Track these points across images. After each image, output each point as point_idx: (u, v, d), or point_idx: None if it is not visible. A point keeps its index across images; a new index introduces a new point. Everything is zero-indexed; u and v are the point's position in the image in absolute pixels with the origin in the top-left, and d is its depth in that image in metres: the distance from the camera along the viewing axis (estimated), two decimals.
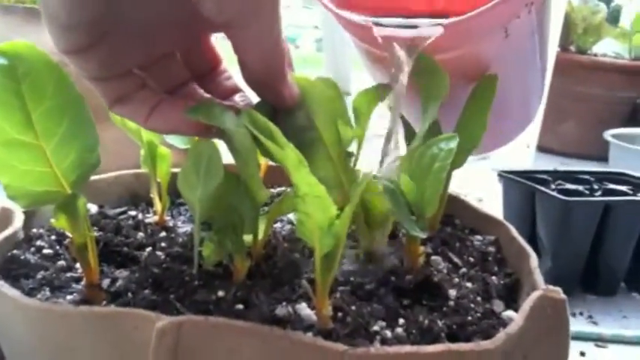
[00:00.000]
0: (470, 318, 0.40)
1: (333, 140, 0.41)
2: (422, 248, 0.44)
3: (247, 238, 0.42)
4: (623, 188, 0.92)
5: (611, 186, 0.93)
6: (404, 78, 0.48)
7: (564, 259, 0.85)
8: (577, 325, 0.79)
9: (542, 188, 0.86)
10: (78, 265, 0.42)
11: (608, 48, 1.89)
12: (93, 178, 0.52)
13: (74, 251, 0.39)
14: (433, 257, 0.46)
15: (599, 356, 0.73)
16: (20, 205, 0.38)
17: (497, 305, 0.43)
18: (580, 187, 0.90)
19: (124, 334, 0.33)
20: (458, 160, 0.49)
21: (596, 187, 0.92)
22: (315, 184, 0.33)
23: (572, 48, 1.73)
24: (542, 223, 0.86)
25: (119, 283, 0.40)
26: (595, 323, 0.81)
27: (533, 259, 0.45)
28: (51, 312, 0.34)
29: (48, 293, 0.39)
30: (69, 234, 0.39)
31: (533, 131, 1.54)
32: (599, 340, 0.76)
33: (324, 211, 0.34)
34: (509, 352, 0.38)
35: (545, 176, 0.94)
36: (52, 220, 0.39)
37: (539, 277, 0.43)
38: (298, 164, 0.33)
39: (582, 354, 0.73)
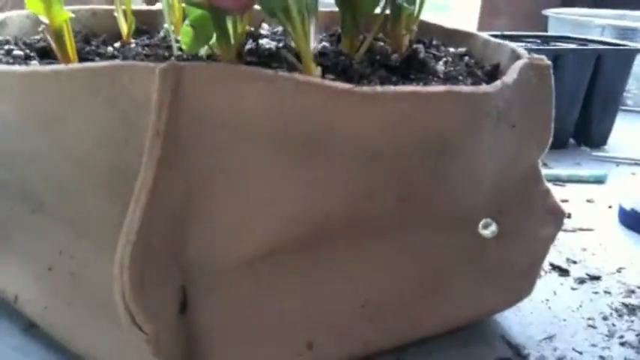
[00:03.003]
0: (462, 84, 0.40)
1: None
2: (405, 34, 0.44)
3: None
4: (569, 45, 0.94)
5: (557, 44, 0.95)
6: None
7: None
8: None
9: None
10: None
11: None
12: None
13: (51, 35, 0.36)
14: (415, 45, 0.45)
15: (559, 192, 0.76)
16: None
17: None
18: (529, 45, 0.92)
19: (120, 90, 0.31)
20: None
21: (543, 47, 0.93)
22: None
23: None
24: None
25: None
26: (551, 169, 0.84)
27: (512, 44, 0.46)
28: (39, 75, 0.32)
29: None
30: (44, 19, 0.37)
31: (470, 27, 1.56)
32: (557, 181, 0.79)
33: None
34: (501, 112, 0.39)
35: None
36: (19, 12, 0.36)
37: (522, 51, 0.43)
38: None
39: None
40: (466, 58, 0.50)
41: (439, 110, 0.34)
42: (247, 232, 0.35)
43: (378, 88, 0.33)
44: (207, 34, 0.40)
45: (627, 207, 0.67)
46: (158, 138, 0.30)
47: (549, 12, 1.24)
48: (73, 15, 0.37)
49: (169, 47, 0.40)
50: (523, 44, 0.92)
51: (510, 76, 0.38)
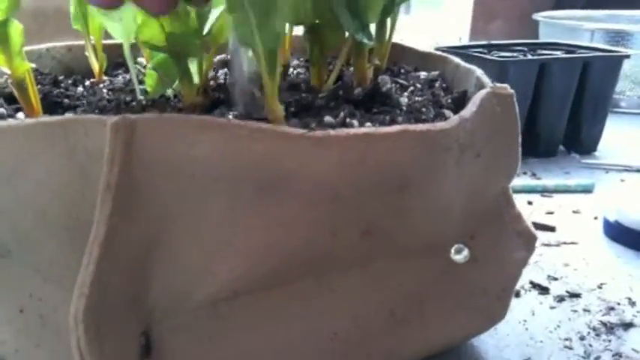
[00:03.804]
0: (424, 117, 0.40)
1: None
2: (368, 65, 0.44)
3: (192, 66, 0.41)
4: (556, 53, 0.94)
5: (544, 52, 0.95)
6: None
7: None
8: (522, 180, 0.82)
9: (479, 55, 0.87)
10: (19, 115, 0.41)
11: None
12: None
13: (14, 87, 0.37)
14: (381, 76, 0.46)
15: (545, 203, 0.76)
16: None
17: (448, 114, 0.43)
18: (515, 55, 0.92)
19: (76, 144, 0.32)
20: None
21: (530, 55, 0.94)
22: None
23: None
24: None
25: None
26: (539, 179, 0.84)
27: (479, 71, 0.46)
28: None
29: None
30: (6, 70, 0.37)
31: (464, 28, 1.56)
32: (545, 191, 0.79)
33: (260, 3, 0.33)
34: (463, 144, 0.39)
35: (480, 49, 0.95)
36: None
37: (486, 79, 0.43)
38: None
39: (530, 203, 0.76)
40: (437, 83, 0.50)
41: (395, 150, 0.35)
42: (209, 276, 0.35)
43: (332, 132, 0.33)
44: (171, 77, 0.40)
45: (611, 219, 0.66)
46: (109, 192, 0.30)
47: (539, 16, 1.24)
48: (34, 66, 0.38)
49: (134, 91, 0.41)
50: (510, 53, 0.92)
51: (469, 109, 0.38)
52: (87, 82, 0.50)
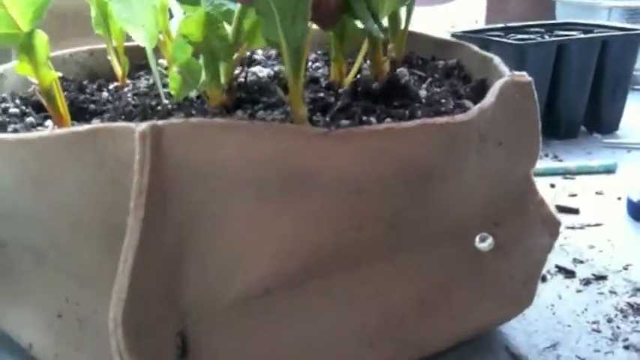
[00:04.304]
0: (444, 109, 0.41)
1: None
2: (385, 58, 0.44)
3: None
4: (574, 33, 0.94)
5: (562, 32, 0.94)
6: None
7: None
8: (544, 163, 0.82)
9: (496, 38, 0.87)
10: (47, 123, 0.42)
11: None
12: None
13: (42, 95, 0.38)
14: (399, 69, 0.46)
15: (568, 185, 0.76)
16: None
17: (468, 104, 0.44)
18: (532, 37, 0.91)
19: (104, 152, 0.33)
20: None
21: (547, 36, 0.93)
22: None
23: None
24: None
25: None
26: (561, 161, 0.84)
27: (497, 59, 0.46)
28: (27, 143, 0.34)
29: None
30: (34, 80, 0.38)
31: (480, 8, 1.55)
32: (567, 173, 0.79)
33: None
34: (484, 134, 0.39)
35: (497, 32, 0.95)
36: (15, 64, 0.38)
37: (504, 68, 0.44)
38: None
39: (552, 185, 0.75)
40: (455, 71, 0.51)
41: (415, 143, 0.35)
42: (241, 274, 0.36)
43: (352, 129, 0.34)
44: (195, 79, 0.41)
45: (635, 199, 0.66)
46: (142, 197, 0.31)
47: None
48: (60, 75, 0.39)
49: (158, 95, 0.42)
50: (527, 35, 0.92)
51: (489, 99, 0.39)
52: (111, 86, 0.51)
